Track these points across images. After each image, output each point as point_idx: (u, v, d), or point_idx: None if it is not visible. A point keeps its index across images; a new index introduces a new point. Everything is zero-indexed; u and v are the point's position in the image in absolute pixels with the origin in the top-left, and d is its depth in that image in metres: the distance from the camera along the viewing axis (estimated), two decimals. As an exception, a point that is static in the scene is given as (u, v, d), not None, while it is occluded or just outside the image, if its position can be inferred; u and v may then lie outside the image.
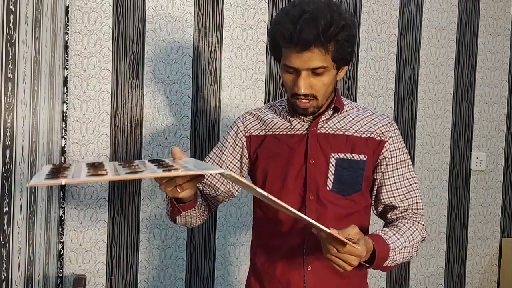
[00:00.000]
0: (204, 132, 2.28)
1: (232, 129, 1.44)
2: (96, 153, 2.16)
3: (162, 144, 2.23)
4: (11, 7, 1.02)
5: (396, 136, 1.38)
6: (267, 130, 1.39)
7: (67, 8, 2.08)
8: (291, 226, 1.33)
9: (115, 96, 2.17)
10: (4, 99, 0.98)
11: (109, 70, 2.16)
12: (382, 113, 1.42)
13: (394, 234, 1.31)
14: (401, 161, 1.38)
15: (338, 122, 1.35)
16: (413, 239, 1.33)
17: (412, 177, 1.40)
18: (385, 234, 1.29)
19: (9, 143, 1.04)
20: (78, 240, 2.16)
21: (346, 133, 1.34)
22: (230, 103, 2.31)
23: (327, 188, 1.31)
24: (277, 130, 1.38)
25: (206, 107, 2.28)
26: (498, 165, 2.75)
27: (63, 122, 2.10)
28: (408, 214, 1.38)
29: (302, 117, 1.35)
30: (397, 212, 1.38)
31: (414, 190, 1.39)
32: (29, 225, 1.33)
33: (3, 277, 1.01)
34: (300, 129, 1.36)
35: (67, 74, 2.11)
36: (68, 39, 2.10)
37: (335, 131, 1.34)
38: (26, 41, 1.21)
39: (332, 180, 1.31)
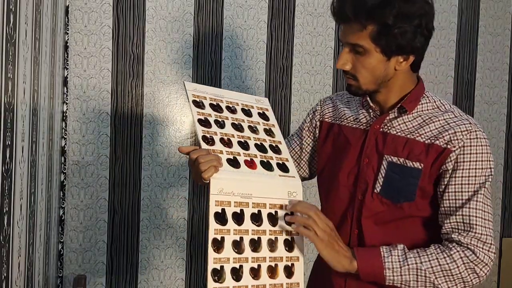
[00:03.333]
0: (204, 132, 2.28)
1: (312, 110, 1.46)
2: (96, 153, 2.16)
3: (162, 144, 2.23)
4: (11, 7, 1.02)
5: (472, 146, 1.17)
6: (336, 119, 1.37)
7: (67, 8, 2.08)
8: (338, 227, 1.28)
9: (115, 96, 2.17)
10: (4, 99, 0.98)
11: (109, 70, 2.16)
12: (468, 118, 1.22)
13: (403, 253, 1.16)
14: (470, 176, 1.16)
15: (404, 123, 1.24)
16: (436, 264, 1.14)
17: (482, 204, 1.15)
18: (391, 250, 1.17)
19: (9, 143, 1.04)
20: (78, 240, 2.16)
21: (408, 135, 1.22)
22: (230, 103, 2.31)
23: (375, 190, 1.23)
24: (344, 120, 1.35)
25: (206, 107, 2.28)
26: (498, 165, 2.75)
27: (63, 122, 2.10)
28: (452, 237, 1.16)
29: (370, 111, 1.29)
30: (442, 233, 1.19)
31: (477, 217, 1.15)
32: (29, 225, 1.33)
33: (3, 277, 1.01)
34: (363, 124, 1.30)
35: (67, 74, 2.11)
36: (68, 39, 2.10)
37: (396, 132, 1.24)
38: (26, 41, 1.21)
39: (381, 183, 1.23)
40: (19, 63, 1.11)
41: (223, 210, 1.13)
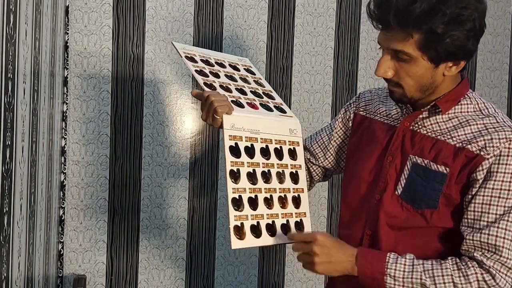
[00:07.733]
0: (205, 132, 2.28)
1: (349, 101, 1.42)
2: (96, 153, 2.16)
3: (162, 144, 2.23)
4: (11, 7, 1.02)
5: (510, 157, 1.06)
6: (370, 113, 1.32)
7: (67, 8, 2.08)
8: (350, 224, 1.28)
9: (115, 96, 2.17)
10: (4, 99, 0.98)
11: (109, 70, 2.16)
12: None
13: (411, 263, 1.09)
14: (502, 189, 1.05)
15: (437, 123, 1.15)
16: (450, 281, 1.06)
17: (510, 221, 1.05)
18: (398, 257, 1.11)
19: (9, 143, 1.04)
20: (78, 240, 2.16)
21: (438, 137, 1.13)
22: (230, 103, 2.31)
23: (396, 192, 1.17)
24: (377, 115, 1.29)
25: (206, 107, 2.27)
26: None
27: (63, 122, 2.10)
28: (475, 255, 1.07)
29: (402, 106, 1.21)
30: (463, 248, 1.10)
31: (505, 239, 1.05)
32: (29, 225, 1.33)
33: (3, 277, 1.01)
34: (394, 120, 1.23)
35: (67, 74, 2.11)
36: (68, 39, 2.10)
37: (427, 132, 1.15)
38: (26, 41, 1.21)
39: (403, 185, 1.16)
40: (19, 63, 1.12)
41: (236, 144, 1.24)
